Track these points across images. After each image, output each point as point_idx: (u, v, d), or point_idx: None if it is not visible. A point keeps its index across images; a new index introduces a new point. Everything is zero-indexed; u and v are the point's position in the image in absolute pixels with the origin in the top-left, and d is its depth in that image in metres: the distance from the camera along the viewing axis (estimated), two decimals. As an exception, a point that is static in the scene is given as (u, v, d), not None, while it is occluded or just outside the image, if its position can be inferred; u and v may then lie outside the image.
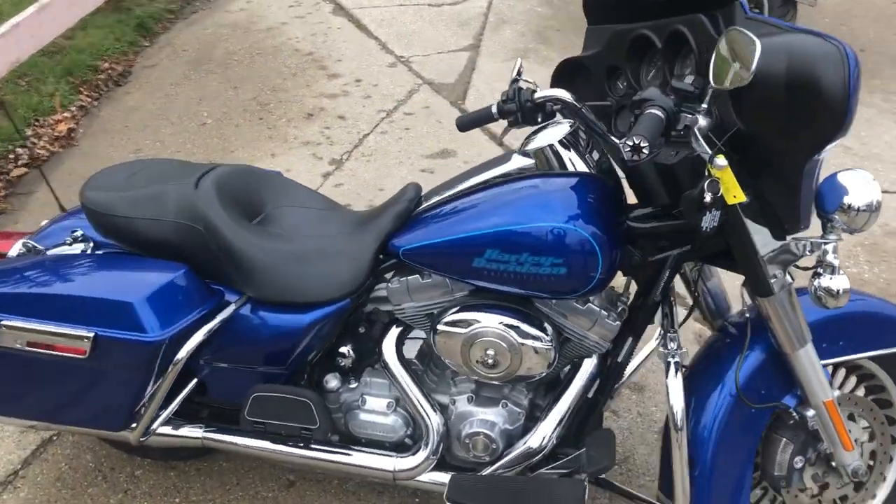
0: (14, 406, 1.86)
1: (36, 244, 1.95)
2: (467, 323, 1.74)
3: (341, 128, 4.06)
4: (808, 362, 1.68)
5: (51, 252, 1.92)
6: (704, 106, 1.35)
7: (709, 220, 1.38)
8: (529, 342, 1.71)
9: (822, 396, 1.70)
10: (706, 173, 1.35)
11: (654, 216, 1.69)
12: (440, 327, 1.76)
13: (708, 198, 1.33)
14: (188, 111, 4.26)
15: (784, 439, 1.76)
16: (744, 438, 1.74)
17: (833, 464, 1.78)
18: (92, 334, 1.68)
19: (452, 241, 1.69)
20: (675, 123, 1.36)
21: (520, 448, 1.84)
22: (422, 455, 1.87)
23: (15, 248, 2.03)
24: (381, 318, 1.97)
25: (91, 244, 1.91)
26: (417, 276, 1.81)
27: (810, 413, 1.72)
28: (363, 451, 1.90)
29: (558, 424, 1.83)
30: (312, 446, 1.89)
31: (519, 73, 1.83)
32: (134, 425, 1.85)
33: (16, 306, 1.71)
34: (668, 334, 1.67)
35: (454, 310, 1.77)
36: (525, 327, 1.72)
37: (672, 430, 1.62)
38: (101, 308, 1.68)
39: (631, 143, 1.28)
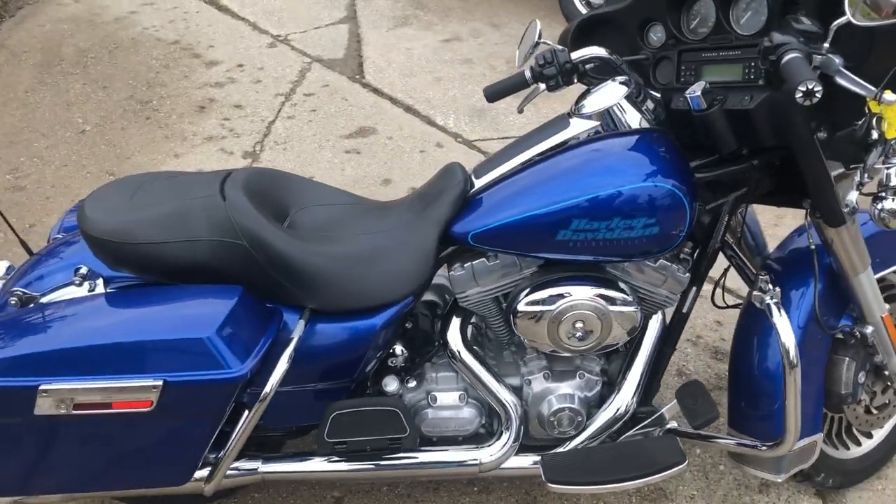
0: (53, 480, 1.59)
1: (26, 291, 1.66)
2: (552, 299, 1.67)
3: (241, 118, 3.78)
4: (868, 283, 1.77)
5: (51, 297, 1.64)
6: (826, 45, 1.35)
7: (873, 158, 1.40)
8: (618, 308, 1.68)
9: (879, 313, 1.81)
10: (866, 110, 1.36)
11: (711, 164, 1.70)
12: (521, 308, 1.69)
13: (875, 135, 1.34)
14: (58, 119, 3.80)
15: (847, 359, 1.85)
16: (815, 366, 1.82)
17: (886, 373, 1.91)
18: (160, 382, 1.45)
19: (533, 217, 1.61)
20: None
21: (603, 416, 1.82)
22: (504, 442, 1.80)
23: (-10, 301, 1.73)
24: (420, 310, 1.87)
25: (99, 280, 1.65)
26: (483, 259, 1.71)
27: (869, 330, 1.82)
28: (446, 450, 1.80)
29: (637, 385, 1.82)
30: (396, 456, 1.76)
31: (539, 36, 1.78)
32: (203, 473, 1.64)
33: (53, 366, 1.44)
34: (760, 276, 1.69)
35: (527, 289, 1.70)
36: (611, 293, 1.68)
37: (787, 368, 1.66)
38: (167, 350, 1.45)
39: (804, 89, 1.26)
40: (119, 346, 1.45)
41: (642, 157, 1.61)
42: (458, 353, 1.77)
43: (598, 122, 1.68)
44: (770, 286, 1.66)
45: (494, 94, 1.83)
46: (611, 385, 1.86)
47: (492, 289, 1.74)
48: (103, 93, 4.00)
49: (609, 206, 1.58)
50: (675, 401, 1.83)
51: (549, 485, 1.76)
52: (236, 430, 1.59)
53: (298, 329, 1.61)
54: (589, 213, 1.59)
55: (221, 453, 1.63)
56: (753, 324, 1.84)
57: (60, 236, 1.89)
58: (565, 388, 1.81)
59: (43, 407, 1.45)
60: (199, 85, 4.05)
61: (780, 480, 1.88)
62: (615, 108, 1.69)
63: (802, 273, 1.80)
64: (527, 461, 1.84)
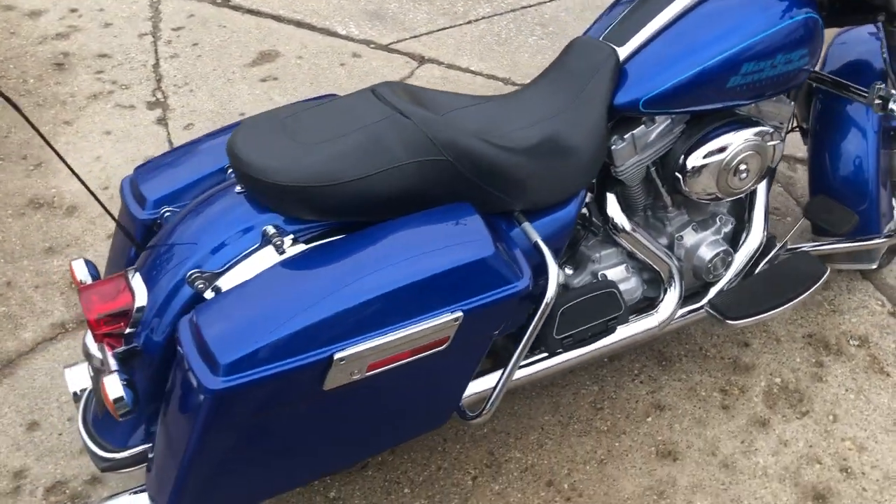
0: (318, 462, 1.41)
1: (202, 270, 1.41)
2: (722, 149, 1.73)
3: (116, 67, 3.28)
4: None
5: (241, 268, 1.41)
6: None
7: None
8: (771, 142, 1.78)
9: None
10: None
11: None
12: (694, 164, 1.73)
13: None
14: None
15: None
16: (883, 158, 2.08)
17: None
18: (459, 314, 1.32)
19: (706, 69, 1.64)
20: None
21: (745, 251, 1.95)
22: (673, 297, 1.87)
23: (141, 295, 1.45)
24: None
25: (289, 237, 1.43)
26: (642, 126, 1.73)
27: None
28: (631, 321, 1.84)
29: (765, 213, 1.96)
30: (602, 338, 1.77)
31: None
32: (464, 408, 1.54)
33: (341, 329, 1.25)
34: (877, 86, 1.84)
35: (691, 145, 1.74)
36: (761, 129, 1.77)
37: None
38: (456, 279, 1.32)
39: None
40: (405, 289, 1.30)
41: (785, -8, 1.70)
42: (623, 225, 1.78)
43: None
44: (892, 91, 1.84)
45: None
46: (738, 221, 1.98)
47: (648, 155, 1.76)
48: (-85, 69, 3.25)
49: (772, 44, 1.66)
50: (802, 220, 2.00)
51: (729, 322, 1.88)
52: (519, 347, 1.51)
53: (532, 232, 1.53)
54: (756, 54, 1.65)
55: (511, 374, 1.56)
56: (837, 135, 2.04)
57: (166, 211, 1.59)
58: (711, 234, 1.91)
59: (335, 378, 1.28)
60: (36, 40, 3.43)
61: (874, 267, 2.15)
62: None
63: (866, 81, 2.01)
64: (684, 311, 1.93)
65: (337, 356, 1.25)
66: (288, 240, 1.43)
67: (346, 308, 1.26)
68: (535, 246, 1.52)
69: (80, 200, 2.64)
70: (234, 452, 1.30)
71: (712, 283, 1.95)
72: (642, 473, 1.91)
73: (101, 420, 1.58)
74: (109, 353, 1.39)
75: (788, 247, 2.02)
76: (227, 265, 1.42)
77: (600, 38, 1.75)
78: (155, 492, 1.39)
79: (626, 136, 1.72)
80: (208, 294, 1.39)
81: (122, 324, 1.43)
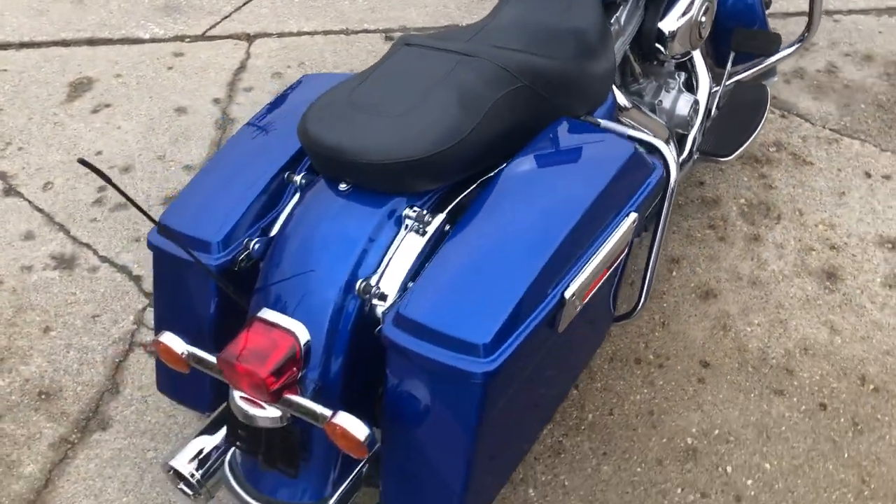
0: (549, 406, 1.42)
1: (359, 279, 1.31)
2: (688, 7, 1.88)
3: None
4: None
5: (399, 260, 1.33)
6: None
7: None
8: (716, -14, 1.97)
9: None
10: None
11: None
12: (669, 29, 1.87)
13: None
14: None
15: None
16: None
17: None
18: (634, 214, 1.37)
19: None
20: None
21: (703, 94, 2.15)
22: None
23: (301, 331, 1.31)
24: None
25: (425, 211, 1.36)
26: (621, 7, 1.83)
27: None
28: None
29: (706, 63, 2.17)
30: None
31: None
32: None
33: (558, 270, 1.25)
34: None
35: (661, 14, 1.87)
36: (703, -23, 1.95)
37: None
38: (619, 183, 1.35)
39: None
40: (591, 208, 1.31)
41: None
42: (624, 104, 1.89)
43: None
44: None
45: None
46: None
47: (627, 35, 1.88)
48: None
49: None
50: (732, 55, 2.23)
51: (723, 159, 2.09)
52: (658, 238, 1.57)
53: (619, 127, 1.59)
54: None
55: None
56: None
57: (254, 242, 1.43)
58: (677, 90, 2.09)
59: (567, 316, 1.28)
60: None
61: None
62: None
63: None
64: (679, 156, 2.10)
65: (567, 294, 1.25)
66: (426, 216, 1.36)
67: (556, 247, 1.25)
68: (630, 139, 1.58)
69: (-20, 307, 2.22)
70: (499, 431, 1.26)
71: (685, 134, 2.14)
72: (700, 318, 2.10)
73: (271, 481, 1.43)
74: (307, 401, 1.25)
75: (726, 83, 2.26)
76: (380, 264, 1.33)
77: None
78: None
79: (611, 22, 1.81)
80: (376, 301, 1.31)
81: (295, 369, 1.29)
